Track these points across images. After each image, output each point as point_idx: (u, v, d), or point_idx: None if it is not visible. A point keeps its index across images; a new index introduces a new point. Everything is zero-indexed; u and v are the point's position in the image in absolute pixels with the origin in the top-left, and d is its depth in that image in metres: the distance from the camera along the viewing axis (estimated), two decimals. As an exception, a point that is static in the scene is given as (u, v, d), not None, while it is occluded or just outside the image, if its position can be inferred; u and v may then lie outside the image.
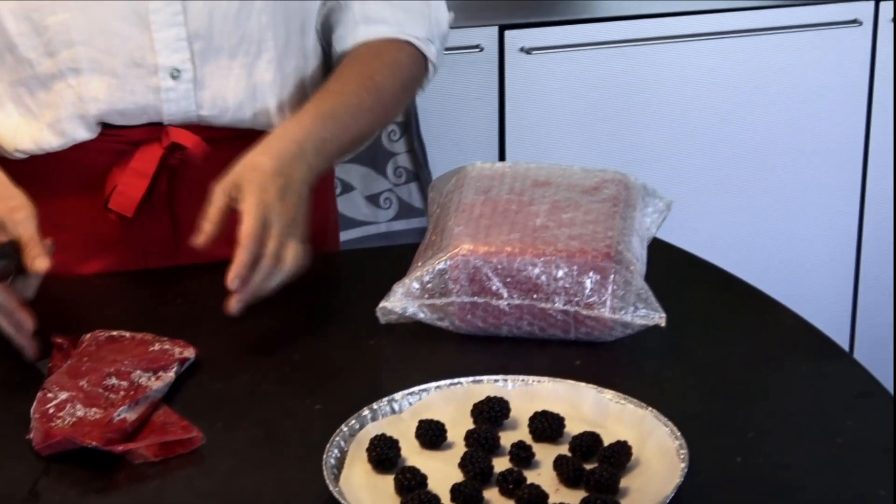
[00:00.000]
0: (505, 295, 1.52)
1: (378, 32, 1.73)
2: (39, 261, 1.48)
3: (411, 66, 1.75)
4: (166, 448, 1.34)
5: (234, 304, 1.48)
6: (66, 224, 1.66)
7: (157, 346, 1.48)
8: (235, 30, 1.66)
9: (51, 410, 1.38)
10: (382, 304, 1.54)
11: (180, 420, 1.38)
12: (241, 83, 1.68)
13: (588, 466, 1.28)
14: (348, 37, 1.74)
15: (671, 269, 1.68)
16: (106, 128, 1.68)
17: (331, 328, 1.58)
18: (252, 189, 1.51)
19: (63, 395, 1.40)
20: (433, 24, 1.77)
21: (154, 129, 1.68)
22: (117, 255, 1.73)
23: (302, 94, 1.73)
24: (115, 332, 1.51)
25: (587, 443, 1.31)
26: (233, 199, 1.51)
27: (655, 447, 1.30)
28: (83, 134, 1.67)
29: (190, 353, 1.48)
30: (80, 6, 1.61)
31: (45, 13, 1.61)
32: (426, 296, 1.53)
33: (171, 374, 1.44)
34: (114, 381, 1.41)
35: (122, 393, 1.39)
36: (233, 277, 1.47)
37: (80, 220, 1.71)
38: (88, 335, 1.51)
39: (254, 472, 1.32)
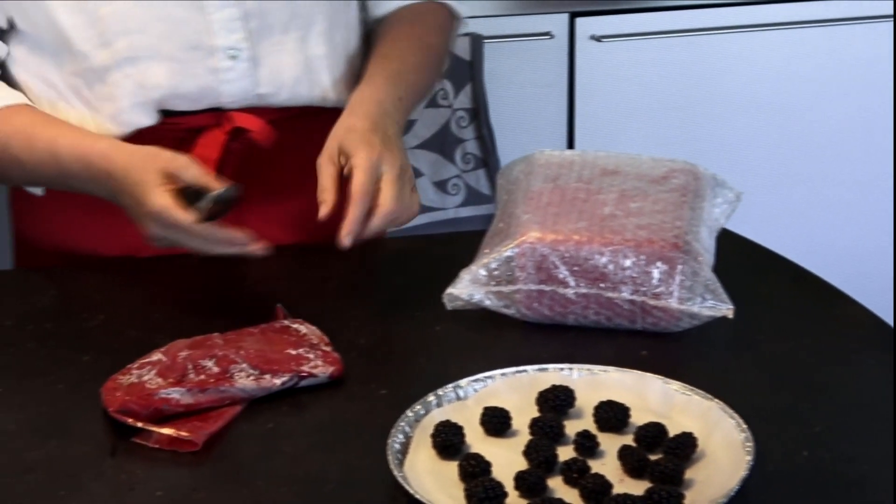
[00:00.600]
0: (572, 283, 1.52)
1: None
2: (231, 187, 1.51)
3: (450, 26, 1.82)
4: (167, 439, 1.35)
5: (345, 238, 1.49)
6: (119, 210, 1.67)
7: (300, 351, 1.45)
8: (286, 5, 1.67)
9: (133, 366, 1.41)
10: (449, 290, 1.55)
11: (207, 424, 1.37)
12: (296, 58, 1.70)
13: (653, 457, 1.28)
14: (383, 2, 1.79)
15: (740, 260, 1.67)
16: (166, 116, 1.69)
17: (397, 314, 1.58)
18: (358, 146, 1.54)
19: (154, 357, 1.42)
20: None
21: (214, 115, 1.69)
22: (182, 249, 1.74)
23: (350, 67, 1.76)
24: (294, 325, 1.50)
25: (652, 433, 1.30)
26: (341, 165, 1.55)
27: (721, 439, 1.29)
28: (144, 121, 1.69)
29: (322, 371, 1.43)
30: None
31: (99, 4, 1.63)
32: (493, 283, 1.54)
33: (275, 382, 1.41)
34: (210, 363, 1.41)
35: (202, 376, 1.40)
36: (346, 234, 1.49)
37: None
38: (279, 318, 1.52)
39: (319, 455, 1.33)
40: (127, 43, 1.64)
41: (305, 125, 1.66)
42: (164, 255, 1.75)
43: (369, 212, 1.52)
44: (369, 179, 1.52)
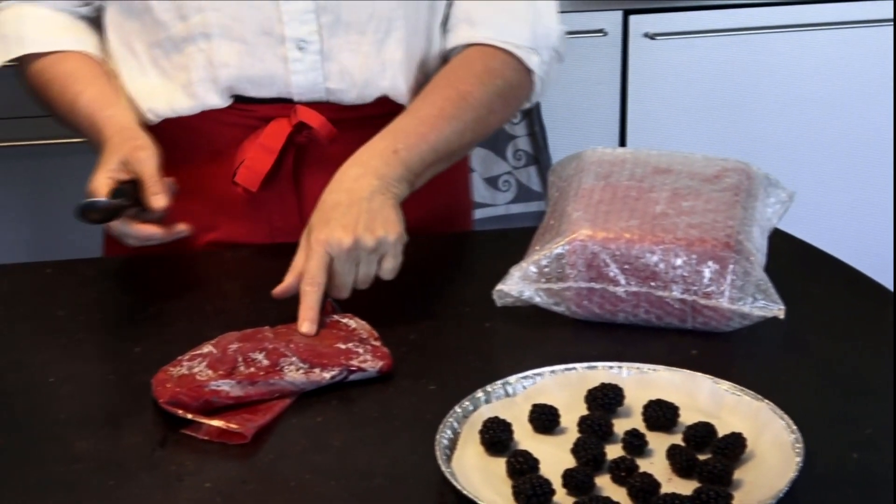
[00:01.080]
0: (622, 282, 1.51)
1: (474, 36, 1.71)
2: (158, 198, 1.57)
3: (507, 74, 1.71)
4: (216, 431, 1.35)
5: (302, 326, 1.48)
6: (195, 193, 1.69)
7: (350, 345, 1.46)
8: (365, 5, 1.67)
9: (184, 357, 1.42)
10: (499, 286, 1.55)
11: (256, 416, 1.37)
12: (370, 60, 1.69)
13: (701, 457, 1.27)
14: (450, 35, 1.73)
15: (792, 260, 1.66)
16: (239, 101, 1.71)
17: (447, 309, 1.58)
18: (312, 229, 1.52)
19: (205, 349, 1.43)
20: (539, 35, 1.72)
21: (284, 107, 1.70)
22: (244, 228, 1.76)
23: (423, 77, 1.73)
24: (344, 319, 1.51)
25: (701, 433, 1.30)
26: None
27: (770, 440, 1.29)
28: (214, 100, 1.70)
29: (371, 365, 1.44)
30: None
31: None
32: (543, 280, 1.53)
33: (325, 376, 1.42)
34: (260, 356, 1.42)
35: (252, 369, 1.40)
36: (301, 321, 1.48)
37: (209, 190, 1.74)
38: (328, 312, 1.52)
39: (367, 449, 1.33)
40: (201, 18, 1.67)
41: (376, 125, 1.66)
42: (214, 250, 1.76)
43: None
44: (317, 265, 1.49)
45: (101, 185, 1.58)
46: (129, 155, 1.60)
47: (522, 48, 1.70)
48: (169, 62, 1.71)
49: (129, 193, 1.58)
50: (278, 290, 1.51)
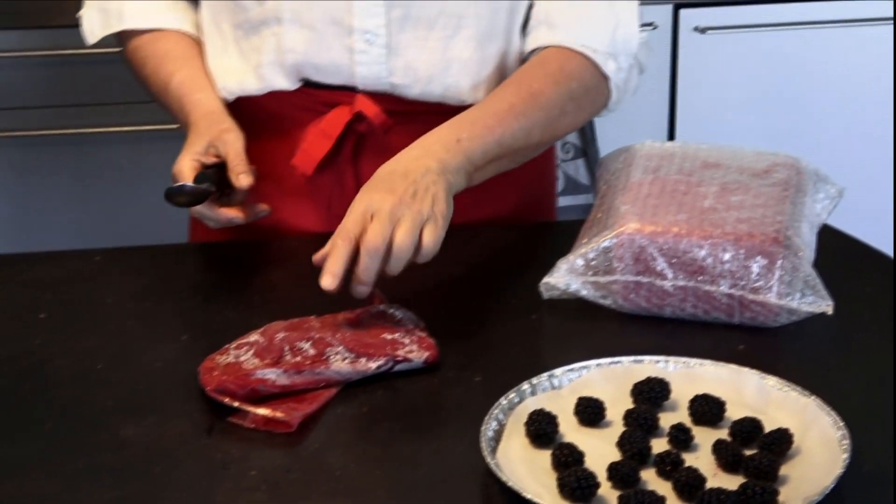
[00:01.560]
0: (670, 276, 1.51)
1: (552, 38, 1.69)
2: (243, 177, 1.60)
3: (582, 76, 1.69)
4: (262, 420, 1.36)
5: (323, 279, 1.45)
6: (261, 175, 1.70)
7: (396, 336, 1.46)
8: (435, 3, 1.67)
9: (231, 346, 1.43)
10: (546, 279, 1.55)
11: (302, 405, 1.37)
12: (436, 56, 1.69)
13: (747, 452, 1.27)
14: (529, 37, 1.72)
15: (841, 256, 1.65)
16: (307, 86, 1.72)
17: (493, 301, 1.58)
18: (361, 191, 1.51)
19: (251, 338, 1.43)
20: (618, 40, 1.70)
21: (348, 94, 1.71)
22: (304, 212, 1.78)
23: (497, 79, 1.72)
24: (390, 310, 1.51)
25: (748, 428, 1.30)
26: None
27: (817, 436, 1.28)
28: (282, 82, 1.72)
29: (417, 356, 1.44)
30: None
31: None
32: (590, 273, 1.53)
33: (370, 366, 1.42)
34: (306, 346, 1.42)
35: (299, 358, 1.41)
36: (323, 273, 1.45)
37: (275, 172, 1.75)
38: (376, 304, 1.51)
39: (412, 439, 1.33)
40: (276, 3, 1.69)
41: (439, 119, 1.66)
42: (263, 239, 1.77)
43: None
44: (354, 217, 1.47)
45: (186, 167, 1.60)
46: (216, 137, 1.63)
47: (600, 53, 1.69)
48: (247, 43, 1.73)
49: (213, 178, 1.60)
50: (318, 254, 1.49)
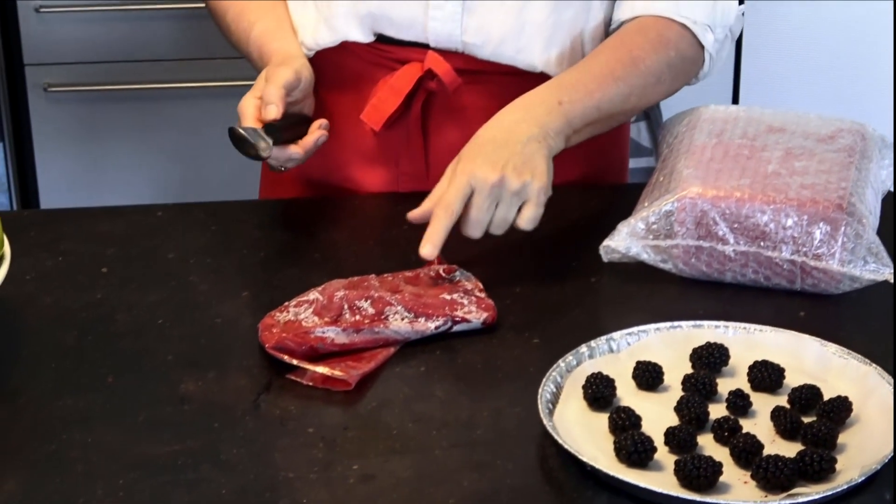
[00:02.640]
0: (731, 241, 1.50)
1: (651, 7, 1.67)
2: (271, 108, 1.57)
3: (680, 46, 1.67)
4: (321, 378, 1.36)
5: (423, 249, 1.47)
6: (333, 130, 1.70)
7: (455, 296, 1.45)
8: None
9: (291, 303, 1.43)
10: (606, 242, 1.54)
11: (360, 364, 1.38)
12: (510, 18, 1.68)
13: (806, 420, 1.26)
14: (624, 5, 1.70)
15: (905, 224, 1.64)
16: (379, 40, 1.72)
17: (553, 263, 1.58)
18: (461, 159, 1.51)
19: (311, 296, 1.44)
20: (717, 12, 1.69)
21: (419, 52, 1.71)
22: (372, 169, 1.78)
23: (576, 46, 1.71)
24: (450, 271, 1.51)
25: (807, 396, 1.29)
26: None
27: (877, 405, 1.27)
28: (355, 33, 1.71)
29: (476, 317, 1.44)
30: None
31: None
32: (651, 237, 1.52)
33: (429, 326, 1.42)
34: (366, 304, 1.42)
35: (358, 317, 1.41)
36: (423, 244, 1.47)
37: (344, 128, 1.76)
38: (435, 263, 1.51)
39: (469, 401, 1.34)
40: None
41: (511, 82, 1.65)
42: (321, 197, 1.77)
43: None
44: (458, 192, 1.48)
45: (246, 106, 1.60)
46: (268, 71, 1.63)
47: (699, 24, 1.67)
48: None
49: (278, 130, 1.59)
50: (414, 213, 1.50)
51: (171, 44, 2.83)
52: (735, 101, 2.96)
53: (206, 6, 1.83)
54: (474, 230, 1.50)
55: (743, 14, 1.74)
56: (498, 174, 1.48)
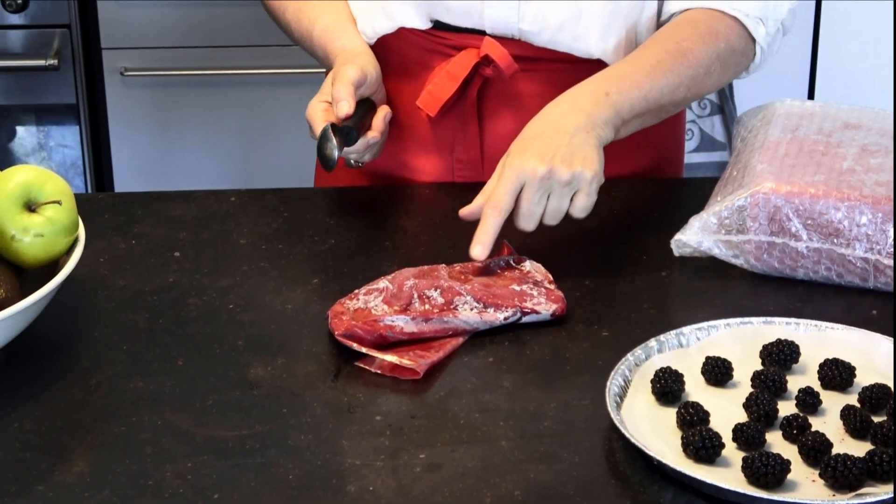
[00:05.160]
0: (804, 237, 1.49)
1: (704, 1, 1.68)
2: (342, 104, 1.58)
3: (730, 38, 1.67)
4: (389, 366, 1.37)
5: (473, 250, 1.47)
6: (393, 117, 1.71)
7: (524, 287, 1.46)
8: None
9: (360, 291, 1.44)
10: (678, 236, 1.53)
11: (429, 353, 1.38)
12: (567, 6, 1.68)
13: (876, 419, 1.25)
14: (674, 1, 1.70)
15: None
16: (436, 27, 1.72)
17: (624, 256, 1.58)
18: (509, 155, 1.51)
19: (381, 284, 1.44)
20: (769, 6, 1.68)
21: (476, 38, 1.71)
22: (428, 155, 1.78)
23: (630, 35, 1.70)
24: (520, 262, 1.51)
25: (878, 395, 1.28)
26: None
27: (949, 406, 1.26)
28: (412, 20, 1.72)
29: (545, 308, 1.44)
30: None
31: None
32: (723, 231, 1.52)
33: (498, 317, 1.42)
34: (435, 294, 1.43)
35: (427, 306, 1.41)
36: (474, 245, 1.47)
37: (403, 114, 1.77)
38: (504, 254, 1.52)
39: (537, 391, 1.34)
40: None
41: (567, 69, 1.65)
42: (388, 183, 1.77)
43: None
44: (506, 188, 1.48)
45: (314, 110, 1.61)
46: (335, 71, 1.63)
47: (751, 17, 1.67)
48: None
49: (351, 132, 1.59)
50: (465, 210, 1.51)
51: (243, 30, 2.85)
52: (811, 96, 2.94)
53: (263, 5, 1.83)
54: (527, 223, 1.50)
55: (795, 8, 1.72)
56: (546, 166, 1.48)
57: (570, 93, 1.58)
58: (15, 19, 2.79)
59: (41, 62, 2.80)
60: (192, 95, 2.92)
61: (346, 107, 1.58)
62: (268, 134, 2.95)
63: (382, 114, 1.66)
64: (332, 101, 1.60)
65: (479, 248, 1.47)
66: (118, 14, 2.83)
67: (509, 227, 1.49)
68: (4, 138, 2.92)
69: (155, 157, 2.97)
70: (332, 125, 1.57)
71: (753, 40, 1.68)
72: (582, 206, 1.50)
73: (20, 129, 2.92)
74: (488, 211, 1.48)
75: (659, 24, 1.72)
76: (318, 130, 1.58)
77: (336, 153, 1.56)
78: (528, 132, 1.53)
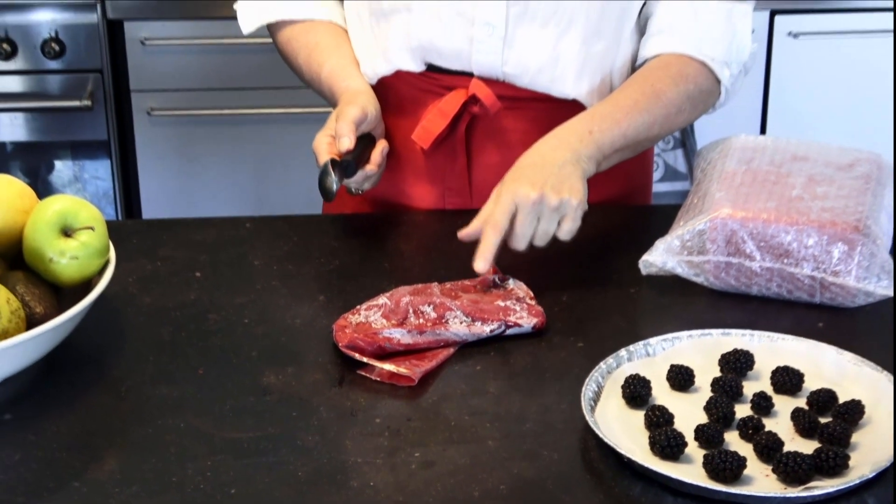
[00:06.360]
0: (758, 257, 1.49)
1: (673, 46, 1.67)
2: (343, 140, 1.58)
3: (699, 80, 1.67)
4: (388, 374, 1.36)
5: (477, 264, 1.47)
6: (389, 149, 1.71)
7: (508, 303, 1.45)
8: (550, 4, 1.66)
9: (362, 307, 1.43)
10: (645, 257, 1.53)
11: (423, 362, 1.38)
12: (546, 51, 1.68)
13: (823, 420, 1.25)
14: (650, 42, 1.69)
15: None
16: (429, 69, 1.72)
17: (597, 275, 1.57)
18: (504, 182, 1.52)
19: (380, 301, 1.44)
20: (733, 50, 1.68)
21: (465, 79, 1.71)
22: (421, 185, 1.78)
23: (605, 79, 1.71)
24: (504, 280, 1.50)
25: (824, 398, 1.28)
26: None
27: (888, 408, 1.26)
28: (408, 64, 1.72)
29: (527, 322, 1.43)
30: None
31: None
32: (685, 252, 1.52)
33: (485, 329, 1.42)
34: (428, 309, 1.43)
35: (421, 320, 1.41)
36: (477, 259, 1.47)
37: (400, 147, 1.77)
38: (490, 274, 1.51)
39: (519, 397, 1.33)
40: None
41: (547, 108, 1.66)
42: (386, 209, 1.77)
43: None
44: (503, 210, 1.48)
45: (319, 144, 1.61)
46: (339, 109, 1.63)
47: (717, 61, 1.67)
48: (378, 29, 1.73)
49: (350, 165, 1.59)
50: (464, 232, 1.51)
51: (258, 74, 2.85)
52: (763, 131, 2.94)
53: (278, 51, 1.83)
54: (520, 243, 1.50)
55: (755, 50, 1.73)
56: (538, 192, 1.49)
57: (557, 131, 1.58)
58: (53, 65, 2.79)
59: (76, 103, 2.80)
60: (212, 132, 2.92)
61: (346, 142, 1.58)
62: (280, 166, 2.95)
63: (380, 148, 1.66)
64: (335, 136, 1.60)
65: (482, 261, 1.47)
66: (145, 60, 2.83)
67: (497, 250, 1.49)
68: (44, 171, 2.92)
69: (178, 187, 2.97)
70: (333, 160, 1.57)
71: (719, 81, 1.69)
72: (568, 230, 1.51)
73: (58, 163, 2.91)
74: (488, 230, 1.48)
75: (634, 67, 1.72)
76: (322, 162, 1.58)
77: (335, 186, 1.56)
78: (522, 163, 1.54)
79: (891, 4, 2.84)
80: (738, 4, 1.68)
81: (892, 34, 2.87)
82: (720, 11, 1.67)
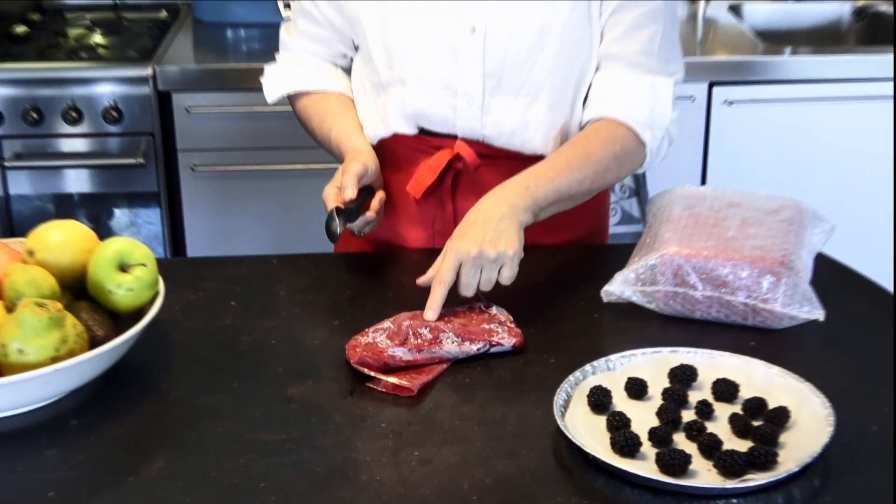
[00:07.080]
0: (700, 287, 1.49)
1: (605, 112, 1.67)
2: (347, 191, 1.58)
3: (625, 143, 1.66)
4: (391, 386, 1.35)
5: (427, 314, 1.46)
6: (387, 198, 1.71)
7: (492, 326, 1.45)
8: (520, 75, 1.66)
9: (370, 329, 1.43)
10: (606, 287, 1.53)
11: (421, 376, 1.37)
12: (517, 117, 1.69)
13: (755, 423, 1.25)
14: (588, 109, 1.69)
15: (832, 277, 1.62)
16: (421, 132, 1.72)
17: (566, 303, 1.57)
18: (451, 240, 1.50)
19: (385, 324, 1.43)
20: (655, 116, 1.68)
21: (450, 140, 1.71)
22: (414, 228, 1.78)
23: (564, 137, 1.71)
24: (489, 307, 1.49)
25: (756, 405, 1.28)
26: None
27: (809, 413, 1.26)
28: (403, 128, 1.72)
29: (508, 341, 1.43)
30: (417, 40, 1.67)
31: (394, 41, 1.68)
32: (639, 283, 1.52)
33: (472, 348, 1.42)
34: (425, 331, 1.42)
35: (419, 340, 1.41)
36: (427, 310, 1.46)
37: (397, 197, 1.77)
38: (478, 301, 1.51)
39: (502, 405, 1.33)
40: (402, 69, 1.69)
41: (520, 163, 1.66)
42: (386, 251, 1.77)
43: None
44: (448, 267, 1.47)
45: (327, 194, 1.61)
46: (344, 165, 1.63)
47: (640, 124, 1.67)
48: (378, 98, 1.74)
49: (353, 212, 1.59)
50: (421, 279, 1.50)
51: (283, 136, 2.85)
52: (703, 182, 2.95)
53: (296, 116, 1.84)
54: (466, 291, 1.48)
55: (677, 119, 1.73)
56: (478, 248, 1.47)
57: (498, 188, 1.57)
58: (112, 129, 2.79)
59: (132, 160, 2.80)
60: (245, 185, 2.92)
61: (350, 193, 1.58)
62: (300, 213, 2.95)
63: (378, 198, 1.65)
64: (341, 188, 1.60)
65: (431, 312, 1.46)
66: (190, 124, 2.84)
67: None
68: (105, 217, 2.91)
69: (217, 231, 2.96)
70: (338, 207, 1.57)
71: (644, 143, 1.68)
72: (507, 276, 1.49)
73: (116, 211, 2.91)
74: (436, 285, 1.47)
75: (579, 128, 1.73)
76: (329, 209, 1.58)
77: (339, 230, 1.55)
78: (466, 220, 1.52)
79: (810, 76, 2.85)
80: (660, 78, 1.68)
81: (812, 102, 2.88)
82: (644, 84, 1.67)
